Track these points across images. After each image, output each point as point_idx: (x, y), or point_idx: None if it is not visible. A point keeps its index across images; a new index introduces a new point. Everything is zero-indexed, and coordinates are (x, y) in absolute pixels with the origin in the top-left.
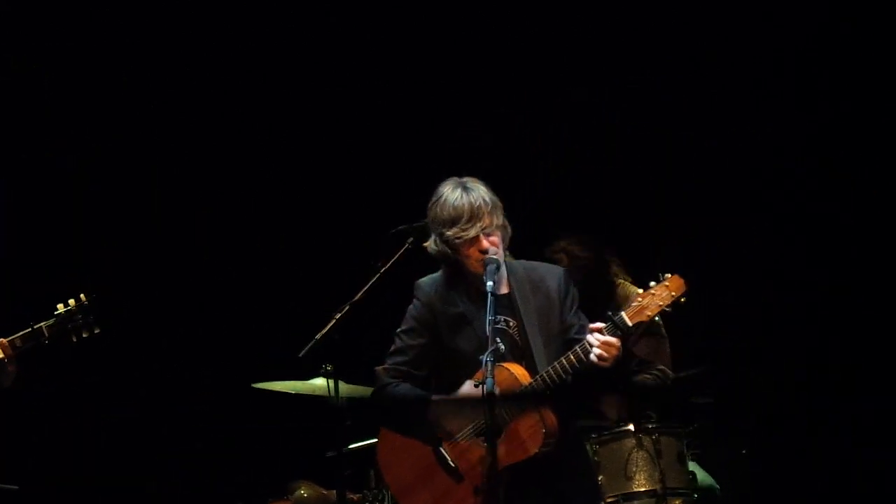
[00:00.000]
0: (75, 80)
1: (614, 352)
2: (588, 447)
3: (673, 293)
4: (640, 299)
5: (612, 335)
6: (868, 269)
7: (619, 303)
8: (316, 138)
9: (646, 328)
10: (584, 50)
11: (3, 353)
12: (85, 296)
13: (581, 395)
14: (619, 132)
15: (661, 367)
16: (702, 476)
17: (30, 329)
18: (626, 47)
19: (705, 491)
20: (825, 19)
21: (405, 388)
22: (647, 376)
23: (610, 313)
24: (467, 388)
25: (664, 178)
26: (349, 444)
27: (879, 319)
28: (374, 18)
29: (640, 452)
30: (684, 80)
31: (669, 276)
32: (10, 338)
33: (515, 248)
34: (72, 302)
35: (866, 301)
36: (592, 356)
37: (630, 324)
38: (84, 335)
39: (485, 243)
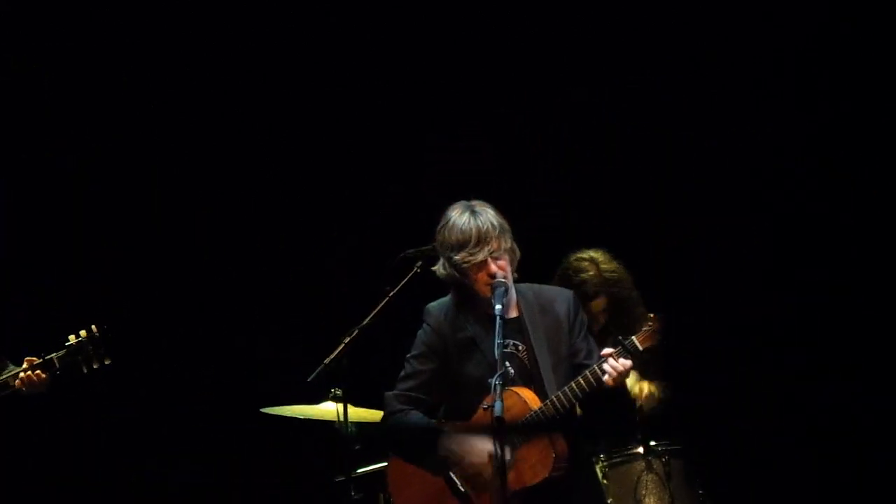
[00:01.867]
0: (75, 101)
1: (625, 375)
2: (597, 470)
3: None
4: (650, 323)
5: (623, 358)
6: (868, 270)
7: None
8: (324, 163)
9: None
10: (583, 51)
11: (39, 379)
12: (96, 327)
13: (591, 418)
14: (618, 134)
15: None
16: None
17: (41, 360)
18: (625, 48)
19: None
20: (825, 19)
21: (415, 417)
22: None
23: (620, 337)
24: (477, 414)
25: (664, 180)
26: (358, 469)
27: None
28: (375, 33)
29: (650, 475)
30: (684, 80)
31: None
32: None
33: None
34: (83, 333)
35: (866, 307)
36: (606, 377)
37: (641, 348)
38: (95, 366)
39: (493, 267)
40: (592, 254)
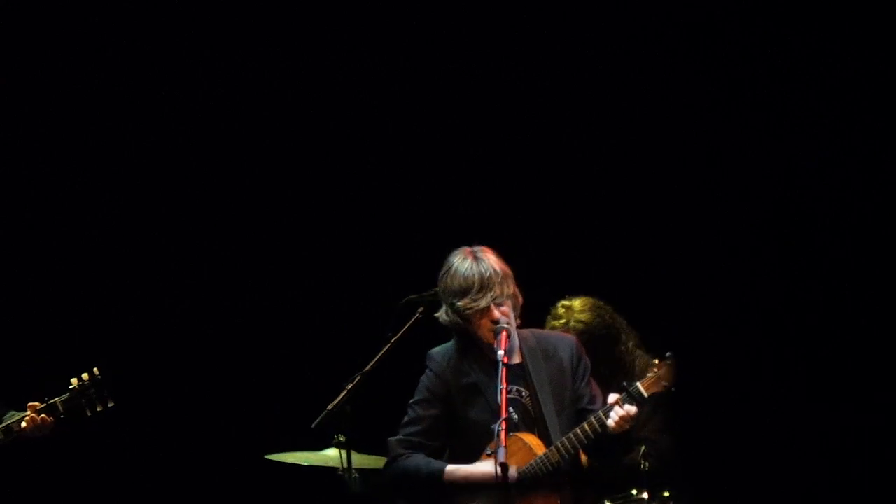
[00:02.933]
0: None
1: (631, 422)
2: None
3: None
4: (655, 370)
5: (628, 405)
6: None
7: (635, 373)
8: (323, 207)
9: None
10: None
11: (45, 423)
12: (98, 369)
13: (597, 467)
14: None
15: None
16: None
17: (45, 405)
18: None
19: None
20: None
21: (418, 459)
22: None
23: (625, 384)
24: (482, 462)
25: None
26: None
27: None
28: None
29: None
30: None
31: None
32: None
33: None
34: (85, 376)
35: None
36: (611, 422)
37: (646, 395)
38: (98, 409)
39: (496, 313)
40: (574, 301)
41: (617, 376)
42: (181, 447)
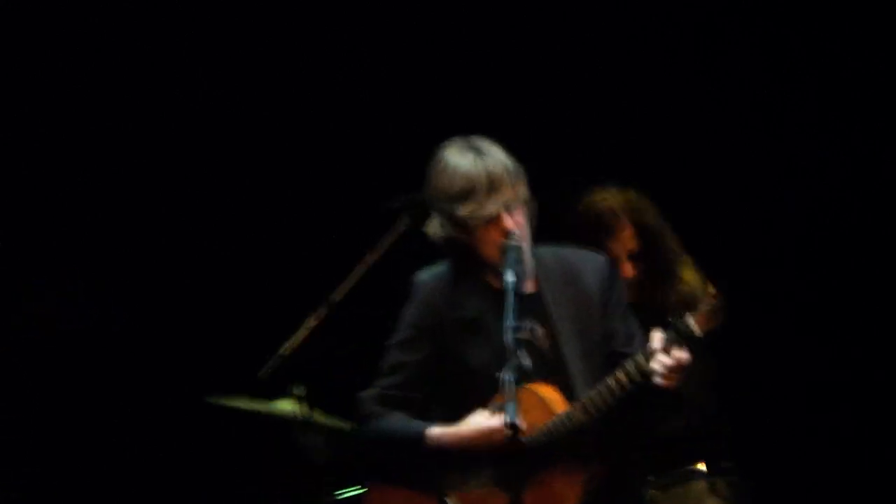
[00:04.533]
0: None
1: (681, 371)
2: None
3: None
4: (710, 300)
5: (677, 349)
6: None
7: (680, 297)
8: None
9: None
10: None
11: None
12: None
13: (636, 427)
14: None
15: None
16: None
17: None
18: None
19: None
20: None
21: (397, 419)
22: None
23: (671, 318)
24: (481, 418)
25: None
26: (329, 495)
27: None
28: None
29: (713, 499)
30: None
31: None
32: None
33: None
34: None
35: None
36: (654, 369)
37: (699, 333)
38: None
39: (509, 222)
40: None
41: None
42: (106, 385)
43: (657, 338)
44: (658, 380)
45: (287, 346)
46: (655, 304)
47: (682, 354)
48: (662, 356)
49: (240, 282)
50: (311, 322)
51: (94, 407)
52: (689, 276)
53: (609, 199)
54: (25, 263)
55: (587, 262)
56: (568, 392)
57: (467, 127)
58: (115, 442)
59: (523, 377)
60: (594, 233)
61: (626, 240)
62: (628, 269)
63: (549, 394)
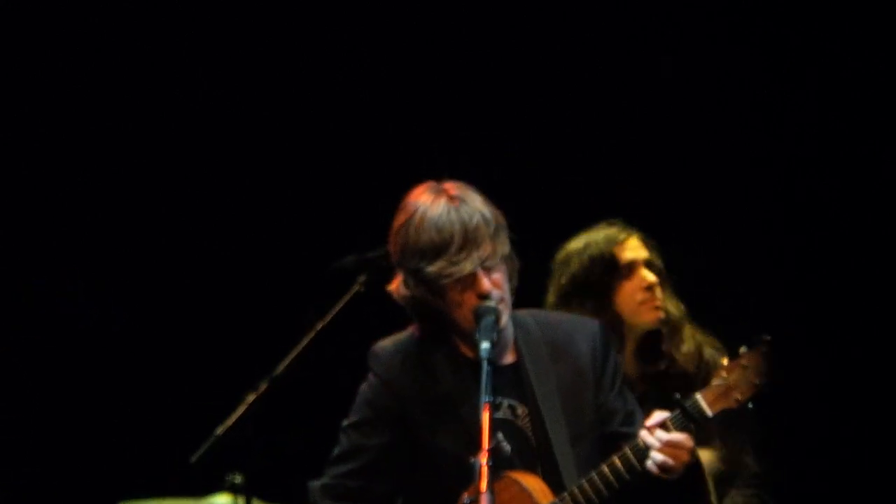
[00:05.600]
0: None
1: (685, 457)
2: None
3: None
4: (724, 374)
5: (682, 430)
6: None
7: (684, 367)
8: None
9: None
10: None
11: None
12: None
13: None
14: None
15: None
16: None
17: None
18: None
19: None
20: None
21: None
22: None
23: (678, 396)
24: None
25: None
26: None
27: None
28: None
29: None
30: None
31: (766, 337)
32: None
33: None
34: None
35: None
36: (651, 463)
37: (710, 413)
38: None
39: (485, 283)
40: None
41: (667, 380)
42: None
43: (659, 415)
44: (658, 460)
45: (223, 427)
46: (658, 375)
47: (683, 437)
48: (662, 433)
49: (172, 353)
50: (251, 399)
51: (95, 407)
52: (706, 352)
53: (621, 235)
54: (25, 263)
55: (577, 329)
56: (555, 481)
57: (436, 168)
58: (115, 442)
59: (502, 463)
60: (607, 277)
61: (641, 282)
62: (647, 275)
63: (532, 483)
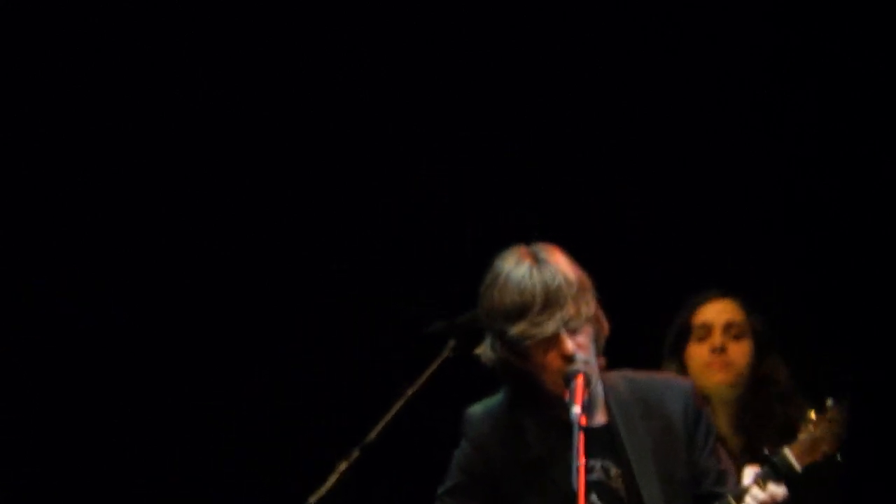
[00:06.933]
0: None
1: None
2: None
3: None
4: (811, 428)
5: (774, 484)
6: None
7: (775, 422)
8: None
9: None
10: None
11: None
12: None
13: None
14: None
15: None
16: None
17: None
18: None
19: None
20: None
21: None
22: None
23: (767, 452)
24: None
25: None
26: None
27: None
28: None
29: None
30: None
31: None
32: None
33: None
34: None
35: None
36: None
37: (798, 467)
38: None
39: (569, 345)
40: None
41: (759, 433)
42: None
43: (749, 473)
44: None
45: (315, 496)
46: (749, 433)
47: (779, 492)
48: (757, 491)
49: (267, 424)
50: (343, 467)
51: (95, 407)
52: (792, 405)
53: (721, 306)
54: (25, 263)
55: (668, 388)
56: None
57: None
58: (116, 442)
59: None
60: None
61: (742, 354)
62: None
63: None
